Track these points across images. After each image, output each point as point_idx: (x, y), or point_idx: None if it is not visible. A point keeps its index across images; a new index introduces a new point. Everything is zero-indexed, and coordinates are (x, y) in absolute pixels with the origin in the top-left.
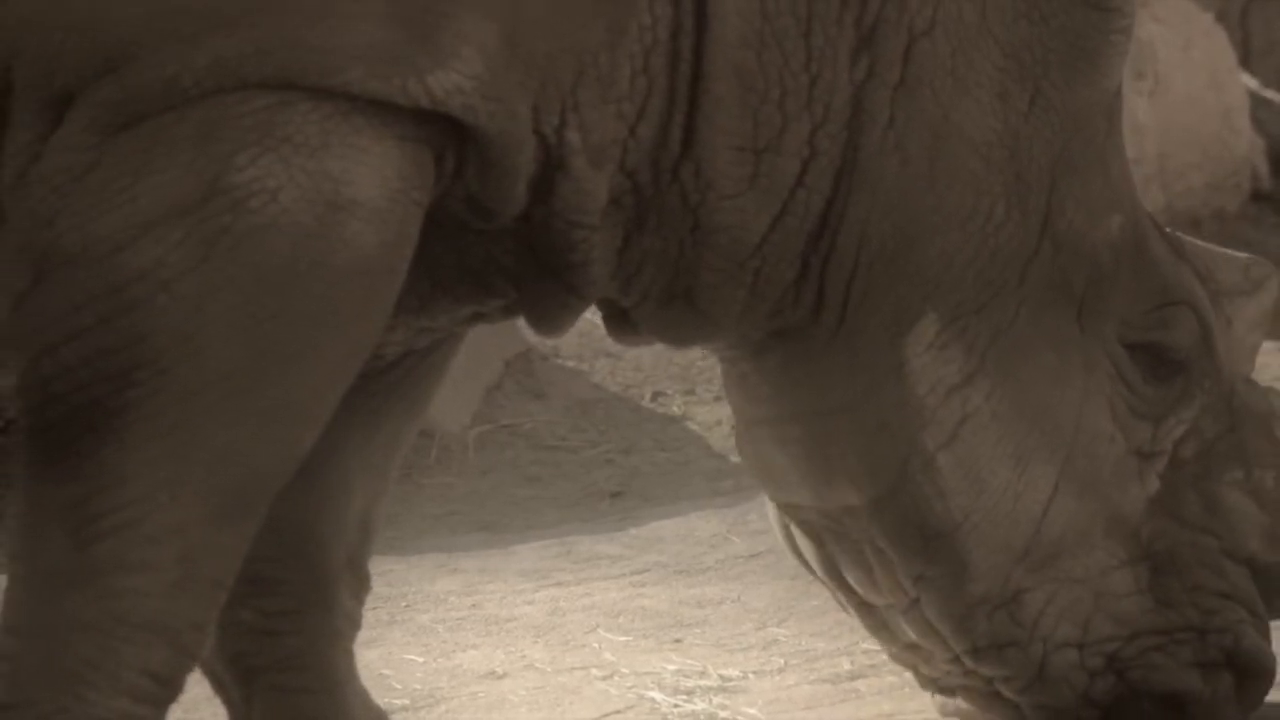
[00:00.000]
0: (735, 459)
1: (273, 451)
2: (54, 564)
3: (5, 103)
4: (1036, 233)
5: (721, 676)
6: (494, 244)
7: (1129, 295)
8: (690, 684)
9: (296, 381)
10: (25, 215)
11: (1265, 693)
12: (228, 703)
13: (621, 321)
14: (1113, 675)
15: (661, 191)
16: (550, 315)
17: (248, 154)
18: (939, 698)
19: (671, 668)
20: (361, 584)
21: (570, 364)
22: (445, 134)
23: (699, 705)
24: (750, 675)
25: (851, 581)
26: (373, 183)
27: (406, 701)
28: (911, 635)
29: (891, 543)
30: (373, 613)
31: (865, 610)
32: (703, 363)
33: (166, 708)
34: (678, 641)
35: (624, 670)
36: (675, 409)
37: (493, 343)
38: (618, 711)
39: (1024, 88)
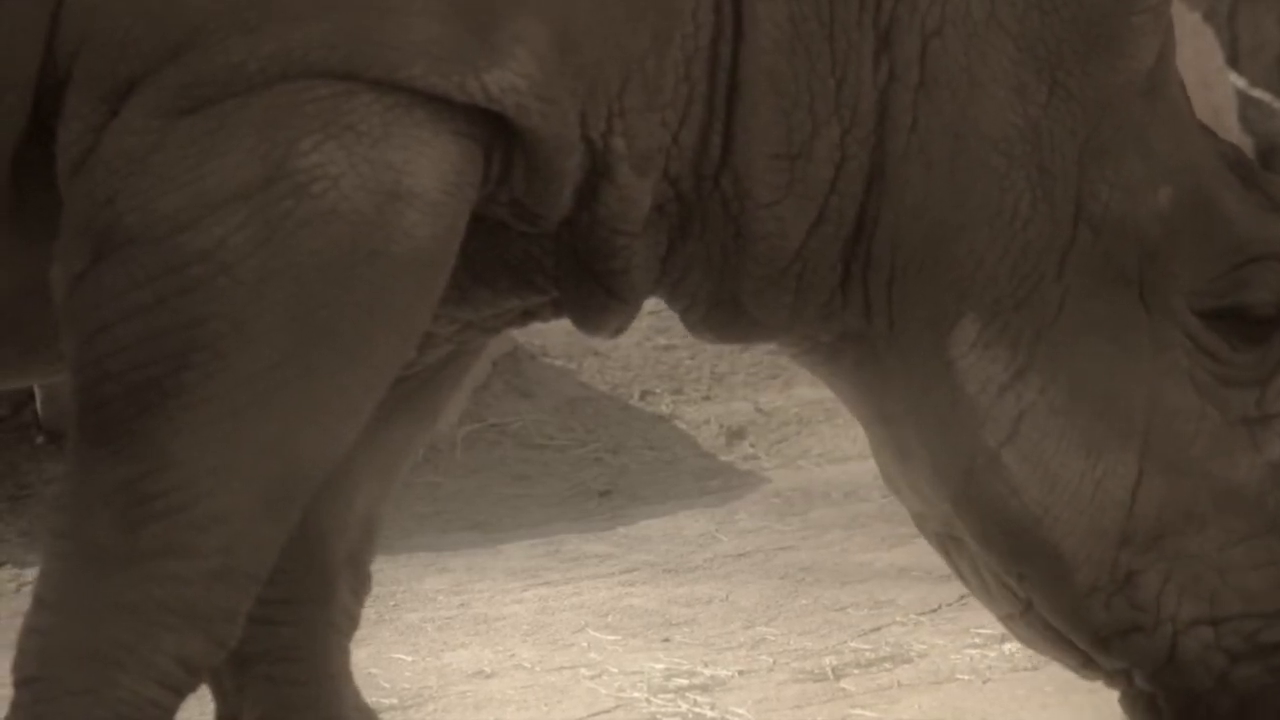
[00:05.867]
0: (723, 458)
1: (319, 443)
2: (98, 544)
3: (63, 93)
4: (1069, 222)
5: (710, 676)
6: (534, 244)
7: (1196, 263)
8: (678, 683)
9: (347, 373)
10: (83, 197)
11: None
12: (218, 692)
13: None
14: (1258, 664)
15: (704, 199)
16: (591, 317)
17: (311, 140)
18: None
19: (660, 667)
20: (362, 583)
21: (558, 363)
22: (495, 134)
23: (687, 704)
24: (738, 674)
25: (972, 590)
26: (431, 175)
27: (395, 700)
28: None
29: (981, 545)
30: (362, 610)
31: None
32: (691, 362)
33: (186, 696)
34: (666, 641)
35: (612, 669)
36: (663, 408)
37: None
38: (606, 710)
39: (1041, 80)
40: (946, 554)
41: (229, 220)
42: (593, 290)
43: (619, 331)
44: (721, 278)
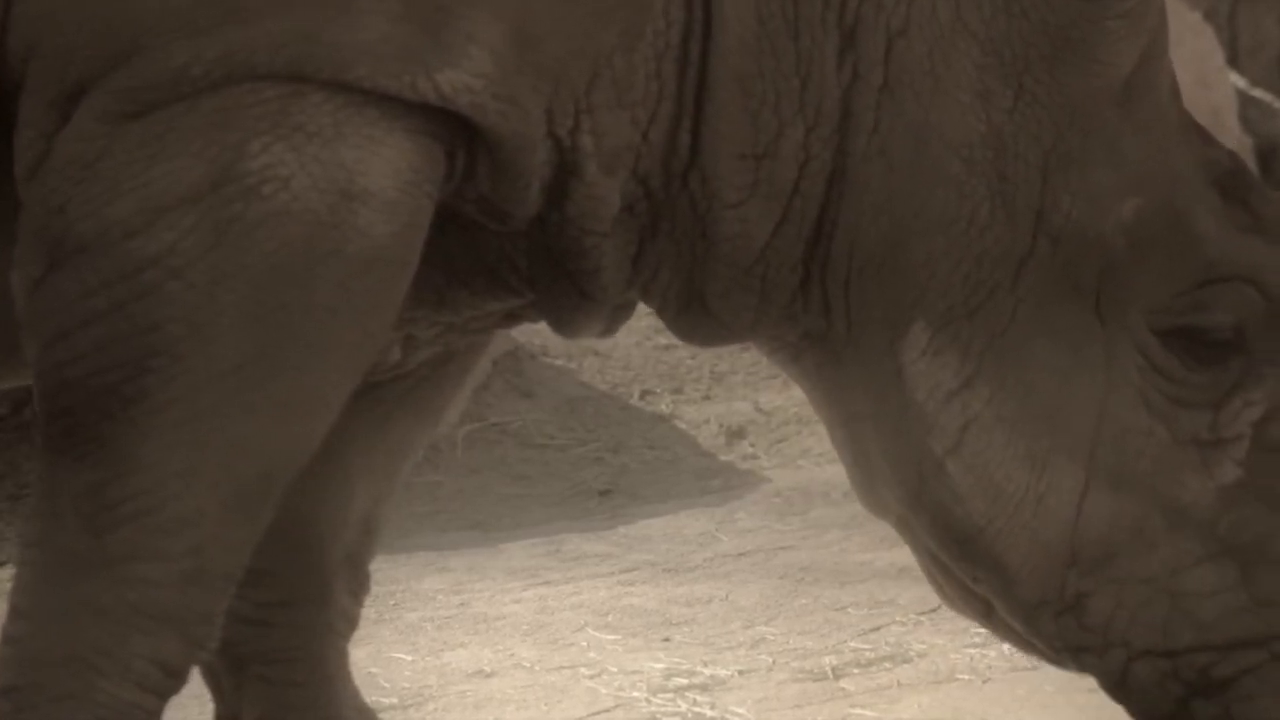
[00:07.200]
0: (723, 457)
1: (286, 442)
2: (68, 550)
3: (17, 99)
4: (1029, 232)
5: (709, 675)
6: (508, 243)
7: (1158, 279)
8: (678, 682)
9: (310, 372)
10: (37, 203)
11: None
12: (217, 692)
13: None
14: (1215, 702)
15: (672, 198)
16: (565, 318)
17: (260, 142)
18: None
19: (659, 666)
20: (360, 584)
21: (559, 362)
22: (456, 132)
23: (686, 704)
24: (738, 674)
25: (941, 596)
26: (385, 173)
27: (394, 700)
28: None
29: (937, 547)
30: (361, 611)
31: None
32: (691, 361)
33: (169, 698)
34: (666, 640)
35: (612, 669)
36: (663, 407)
37: None
38: (605, 710)
39: (1007, 85)
40: (917, 555)
41: (179, 224)
42: (565, 290)
43: (608, 333)
44: (690, 278)
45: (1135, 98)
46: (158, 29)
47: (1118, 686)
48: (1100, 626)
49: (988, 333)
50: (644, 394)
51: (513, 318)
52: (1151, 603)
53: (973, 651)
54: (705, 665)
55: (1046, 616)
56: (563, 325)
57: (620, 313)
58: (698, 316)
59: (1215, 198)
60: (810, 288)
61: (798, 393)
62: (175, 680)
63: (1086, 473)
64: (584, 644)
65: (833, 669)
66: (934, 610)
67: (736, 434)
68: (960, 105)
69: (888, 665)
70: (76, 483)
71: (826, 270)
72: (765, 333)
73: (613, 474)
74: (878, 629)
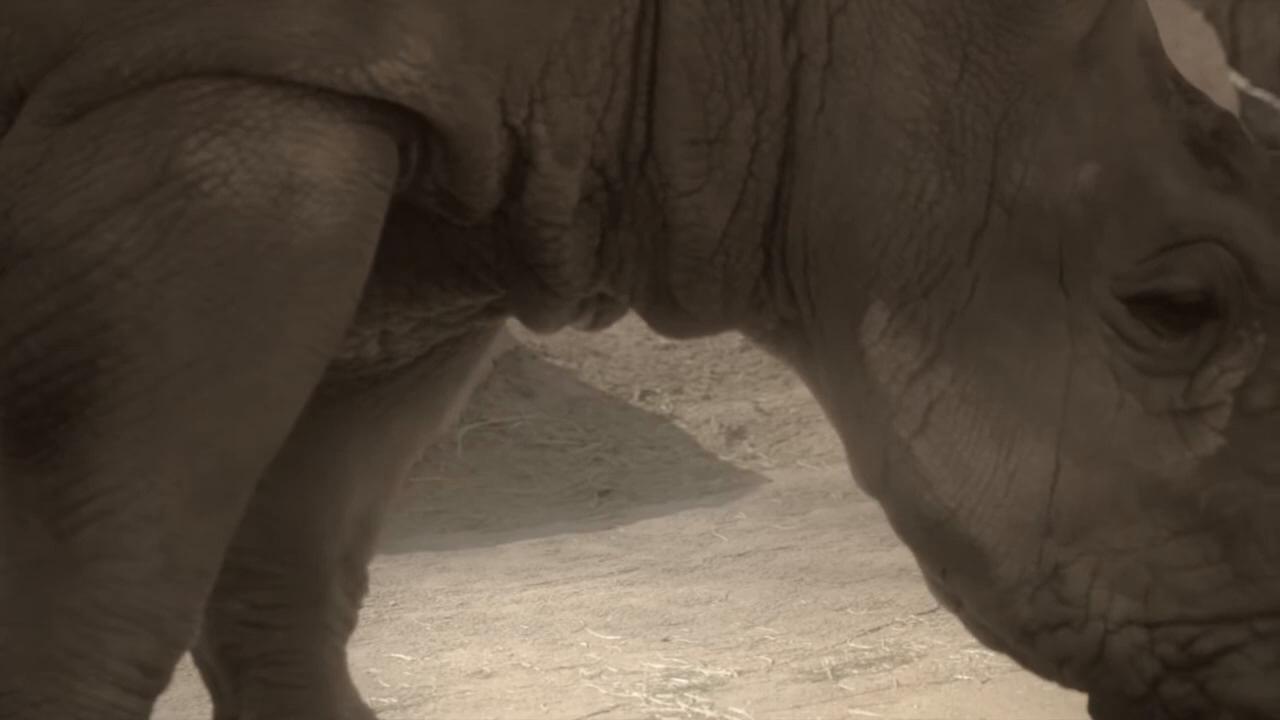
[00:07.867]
0: (723, 458)
1: (247, 437)
2: (34, 553)
3: None
4: (982, 204)
5: (709, 676)
6: (475, 239)
7: (1122, 245)
8: (677, 683)
9: (265, 366)
10: None
11: None
12: (216, 694)
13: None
14: (1189, 682)
15: (631, 187)
16: (531, 313)
17: (197, 138)
18: None
19: (659, 666)
20: (358, 584)
21: (558, 362)
22: (407, 124)
23: (686, 704)
24: (737, 674)
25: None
26: (327, 164)
27: (394, 700)
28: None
29: (905, 539)
30: (360, 611)
31: None
32: (691, 361)
33: (154, 698)
34: (665, 640)
35: (611, 669)
36: (663, 408)
37: None
38: (605, 710)
39: (951, 57)
40: None
41: (121, 225)
42: (529, 285)
43: (597, 327)
44: (654, 269)
45: (1093, 61)
46: (88, 29)
47: (1090, 665)
48: (1079, 597)
49: (947, 310)
50: (644, 394)
51: (495, 311)
52: (1132, 574)
53: (972, 652)
54: (705, 666)
55: (1023, 598)
56: (530, 320)
57: (607, 306)
58: (668, 308)
59: (1189, 159)
60: (772, 274)
61: (798, 393)
62: (156, 680)
63: (1057, 449)
64: (583, 644)
65: (832, 669)
66: (933, 610)
67: (736, 434)
68: (903, 80)
69: (887, 666)
70: (38, 487)
71: (786, 255)
72: (738, 323)
73: (612, 474)
74: (877, 629)
